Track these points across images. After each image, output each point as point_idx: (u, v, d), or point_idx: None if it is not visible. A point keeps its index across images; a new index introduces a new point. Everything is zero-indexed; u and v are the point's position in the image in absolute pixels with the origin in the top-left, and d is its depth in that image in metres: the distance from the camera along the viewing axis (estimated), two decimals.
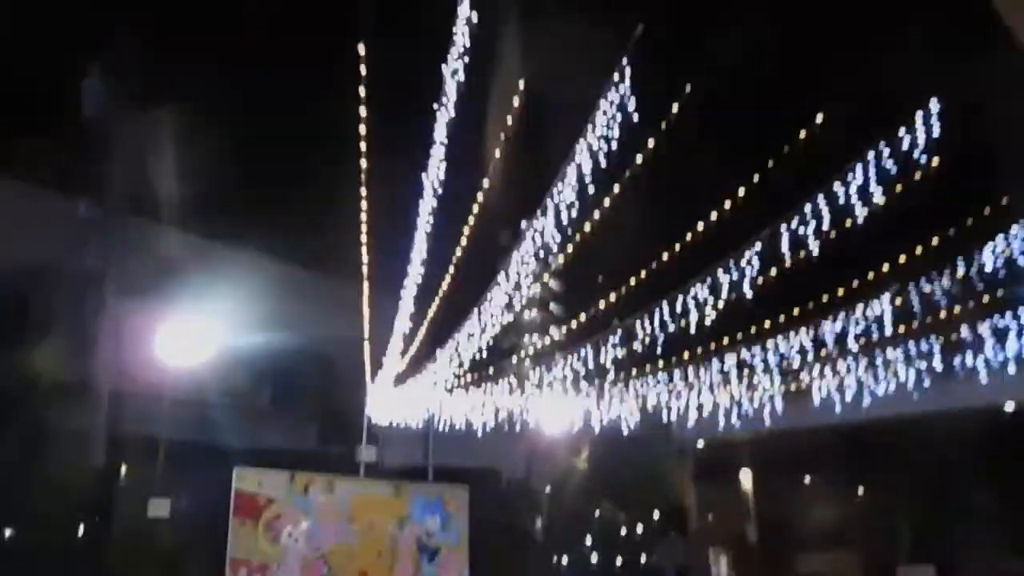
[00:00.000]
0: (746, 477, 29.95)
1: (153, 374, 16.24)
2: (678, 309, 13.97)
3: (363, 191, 11.87)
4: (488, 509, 21.71)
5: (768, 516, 29.27)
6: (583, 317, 15.84)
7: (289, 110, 16.61)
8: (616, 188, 11.47)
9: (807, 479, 29.32)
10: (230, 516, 16.77)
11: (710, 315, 13.75)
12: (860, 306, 14.06)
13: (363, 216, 12.20)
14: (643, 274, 13.54)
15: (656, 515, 25.96)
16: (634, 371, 17.62)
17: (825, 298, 14.38)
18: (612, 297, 14.46)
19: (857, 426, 22.69)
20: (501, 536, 21.49)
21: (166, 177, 17.10)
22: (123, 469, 16.06)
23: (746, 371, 16.45)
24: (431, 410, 20.77)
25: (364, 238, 12.38)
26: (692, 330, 14.53)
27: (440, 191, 11.48)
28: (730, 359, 15.99)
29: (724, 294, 13.11)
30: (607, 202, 11.62)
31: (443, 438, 21.91)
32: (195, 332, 16.56)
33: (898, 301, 13.96)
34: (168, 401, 16.49)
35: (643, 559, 24.86)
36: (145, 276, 16.82)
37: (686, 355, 16.44)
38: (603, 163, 10.70)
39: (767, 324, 15.14)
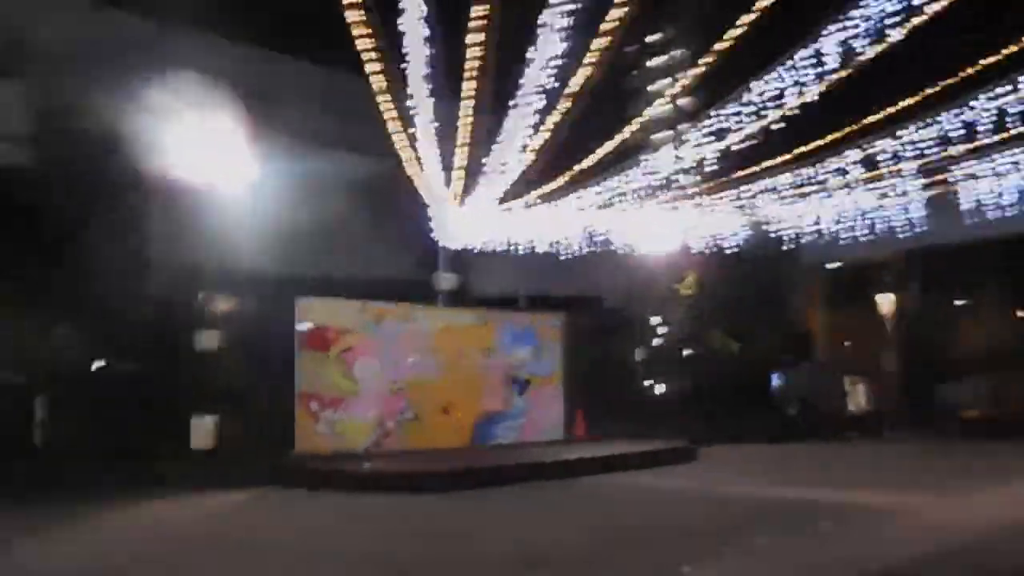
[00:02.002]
0: (886, 300, 26.88)
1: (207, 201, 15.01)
2: (780, 89, 11.03)
3: None
4: (586, 339, 20.04)
5: (915, 341, 26.39)
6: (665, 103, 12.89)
7: None
8: None
9: (957, 300, 25.99)
10: (297, 348, 15.95)
11: (817, 95, 10.75)
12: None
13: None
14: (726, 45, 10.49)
15: (777, 343, 23.63)
16: (742, 176, 14.85)
17: (974, 68, 10.97)
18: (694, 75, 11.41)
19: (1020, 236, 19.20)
20: (600, 367, 19.82)
21: None
22: (181, 301, 15.16)
23: (874, 171, 13.38)
24: (520, 233, 18.88)
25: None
26: (801, 118, 11.63)
27: None
28: (853, 155, 12.94)
29: (837, 63, 10.11)
30: None
31: (537, 264, 20.14)
32: (247, 152, 15.17)
33: None
34: (228, 230, 15.35)
35: (761, 389, 22.83)
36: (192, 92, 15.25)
37: (797, 152, 13.48)
38: None
39: (897, 106, 11.92)
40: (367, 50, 10.40)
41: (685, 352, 21.72)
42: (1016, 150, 12.62)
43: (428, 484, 13.63)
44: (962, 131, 11.83)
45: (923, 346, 25.44)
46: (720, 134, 12.77)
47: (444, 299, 18.59)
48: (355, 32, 10.05)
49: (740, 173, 14.55)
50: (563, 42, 10.27)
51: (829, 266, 25.50)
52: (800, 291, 25.51)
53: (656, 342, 21.85)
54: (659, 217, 17.60)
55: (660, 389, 20.01)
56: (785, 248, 18.68)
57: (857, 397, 27.17)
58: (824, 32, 9.91)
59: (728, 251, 18.46)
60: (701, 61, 11.48)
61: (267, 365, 15.45)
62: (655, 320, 22.10)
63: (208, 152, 14.97)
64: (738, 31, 10.16)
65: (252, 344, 15.26)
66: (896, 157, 12.56)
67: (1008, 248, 20.80)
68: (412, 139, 13.10)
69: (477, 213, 16.79)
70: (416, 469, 14.79)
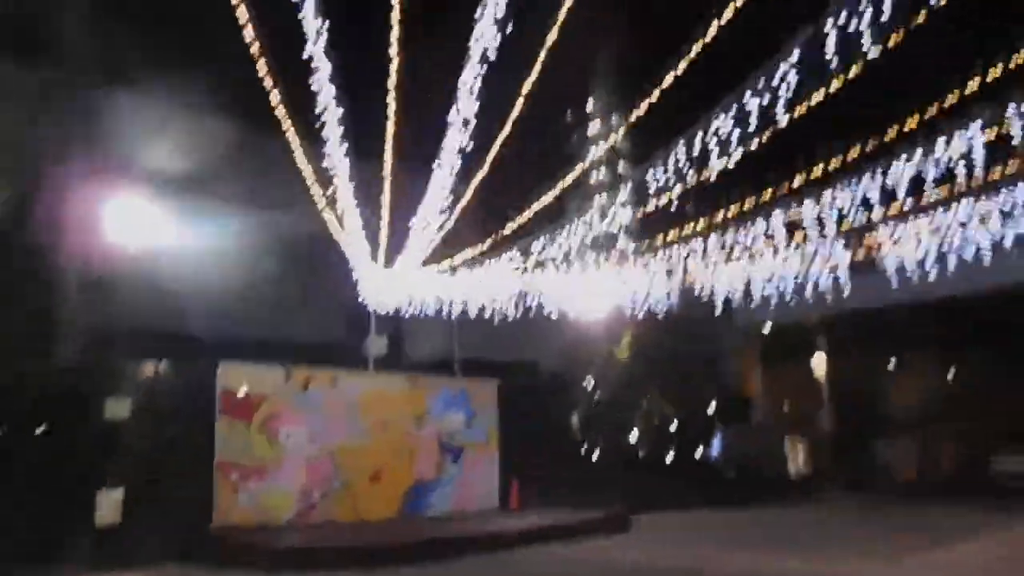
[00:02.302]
0: (820, 361, 27.11)
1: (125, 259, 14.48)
2: (705, 148, 11.04)
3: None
4: (521, 404, 19.59)
5: (848, 402, 26.54)
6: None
7: None
8: None
9: (889, 361, 26.34)
10: (216, 416, 15.26)
11: (734, 159, 10.80)
12: (942, 139, 10.86)
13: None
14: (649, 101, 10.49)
15: (714, 406, 23.48)
16: (669, 238, 14.84)
17: (893, 132, 11.19)
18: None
19: (947, 299, 19.57)
20: (535, 433, 19.34)
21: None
22: (90, 366, 14.38)
23: (799, 234, 13.45)
24: (453, 297, 18.52)
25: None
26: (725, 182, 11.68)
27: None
28: (776, 219, 13.02)
29: (753, 127, 10.18)
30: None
31: (470, 328, 19.72)
32: (166, 212, 14.80)
33: (993, 130, 10.68)
34: (143, 289, 14.81)
35: (699, 453, 22.57)
36: (106, 151, 14.80)
37: (723, 217, 13.53)
38: None
39: (819, 170, 12.07)
40: (283, 108, 10.17)
41: (621, 416, 21.43)
42: (935, 214, 12.83)
43: (357, 560, 12.95)
44: (882, 195, 12.00)
45: (856, 407, 25.61)
46: (645, 197, 12.76)
47: (374, 364, 18.08)
48: (268, 88, 9.82)
49: (668, 236, 14.53)
50: (479, 100, 10.16)
51: (765, 328, 25.61)
52: (736, 353, 25.53)
53: (592, 406, 21.56)
54: (591, 279, 17.46)
55: (596, 454, 19.61)
56: (718, 311, 18.64)
57: (796, 458, 27.11)
58: (744, 97, 10.04)
59: (662, 314, 18.32)
60: (622, 124, 11.51)
61: (184, 433, 14.68)
62: (591, 384, 21.83)
63: (124, 213, 14.55)
64: (658, 90, 10.22)
65: (168, 411, 14.52)
66: (820, 221, 12.69)
67: (936, 310, 21.17)
68: (333, 200, 12.80)
69: (404, 275, 16.46)
70: (343, 544, 14.08)
